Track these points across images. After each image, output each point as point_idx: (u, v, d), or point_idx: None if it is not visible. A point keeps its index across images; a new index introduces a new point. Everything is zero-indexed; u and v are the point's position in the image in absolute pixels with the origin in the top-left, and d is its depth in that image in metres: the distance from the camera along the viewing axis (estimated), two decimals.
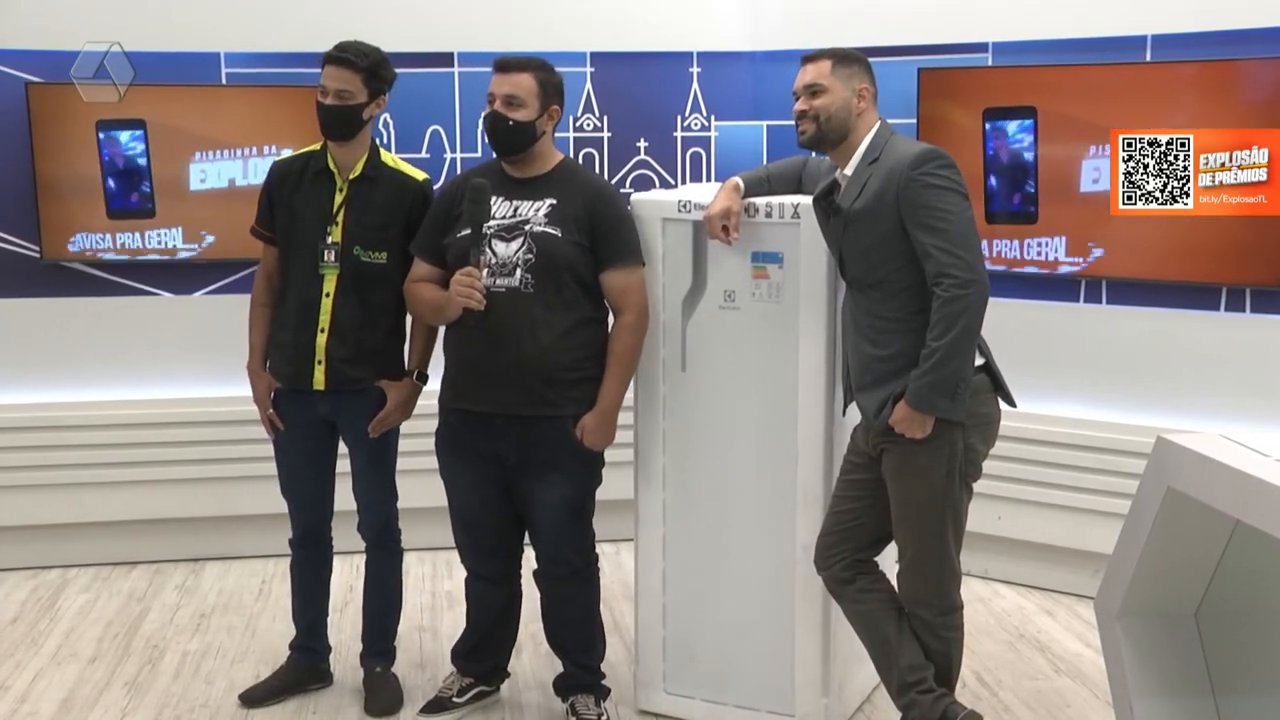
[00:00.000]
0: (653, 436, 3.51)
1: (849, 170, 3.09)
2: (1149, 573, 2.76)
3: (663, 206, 3.44)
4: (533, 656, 3.99)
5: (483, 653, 3.65)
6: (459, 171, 4.79)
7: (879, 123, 3.11)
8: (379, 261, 3.48)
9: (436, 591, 4.57)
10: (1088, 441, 4.30)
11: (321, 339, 3.47)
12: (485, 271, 3.25)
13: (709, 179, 5.00)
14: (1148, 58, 4.22)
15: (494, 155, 3.40)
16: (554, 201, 3.32)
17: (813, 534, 3.34)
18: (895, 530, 3.13)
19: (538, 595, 3.59)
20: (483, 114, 3.36)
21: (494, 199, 3.32)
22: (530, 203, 3.32)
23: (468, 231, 3.27)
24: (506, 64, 3.32)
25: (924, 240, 2.93)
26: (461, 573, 3.70)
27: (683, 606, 3.55)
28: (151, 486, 4.75)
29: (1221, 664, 2.85)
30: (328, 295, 3.46)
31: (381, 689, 3.70)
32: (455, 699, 3.63)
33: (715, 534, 3.49)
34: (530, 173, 3.36)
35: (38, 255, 4.68)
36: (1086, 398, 4.41)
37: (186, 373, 4.77)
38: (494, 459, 3.39)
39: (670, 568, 3.55)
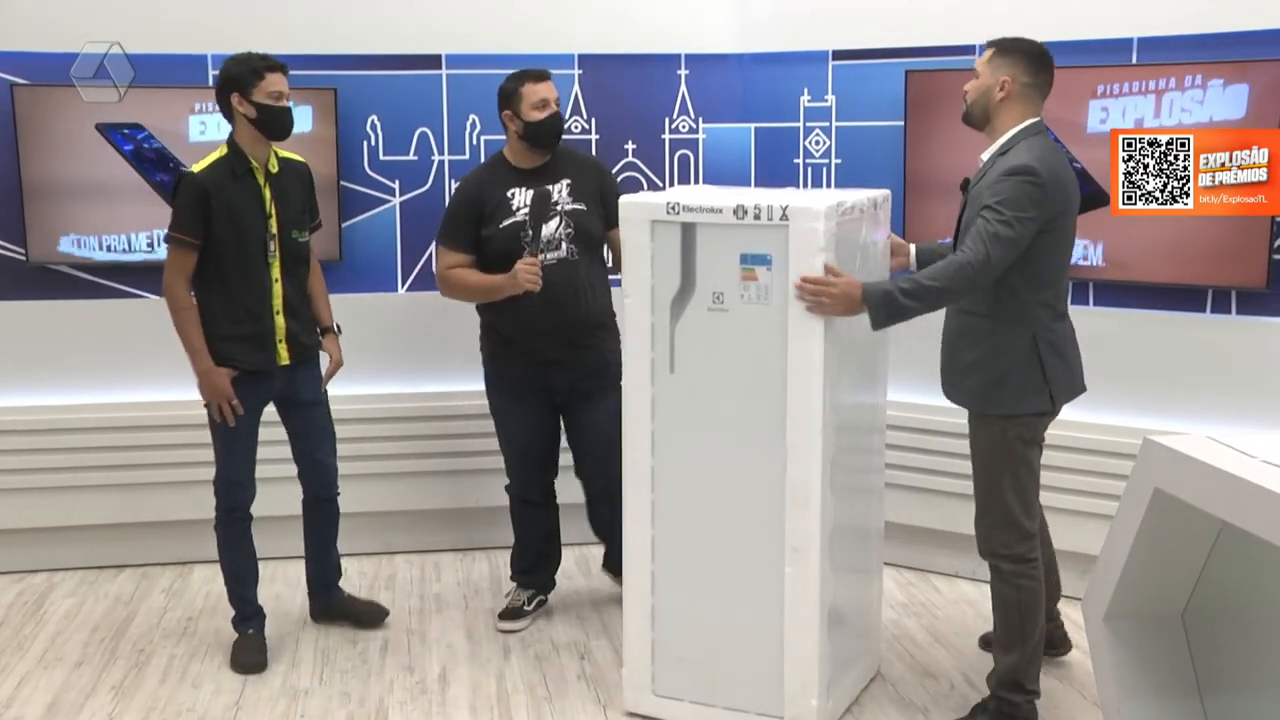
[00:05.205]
0: (641, 438, 3.51)
1: (985, 156, 3.41)
2: (1136, 574, 2.77)
3: (651, 209, 3.44)
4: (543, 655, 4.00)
5: (541, 566, 4.31)
6: (446, 173, 4.85)
7: (1031, 120, 3.37)
8: (306, 240, 3.98)
9: (425, 594, 4.56)
10: (1075, 443, 4.31)
11: (279, 320, 3.88)
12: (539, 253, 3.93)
13: (697, 181, 5.01)
14: (1134, 60, 4.24)
15: (503, 152, 4.07)
16: (569, 181, 4.03)
17: (802, 535, 3.35)
18: (973, 481, 3.51)
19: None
20: (537, 117, 3.94)
21: (519, 190, 3.98)
22: (549, 186, 3.99)
23: (515, 220, 3.95)
24: (545, 73, 4.03)
25: (979, 219, 3.24)
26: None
27: (671, 608, 3.55)
28: (139, 490, 4.74)
29: (1208, 665, 2.86)
30: (276, 280, 3.87)
31: (365, 605, 4.28)
32: (525, 607, 4.25)
33: (704, 536, 3.48)
34: (543, 160, 4.03)
35: (24, 258, 4.66)
36: (1074, 399, 4.41)
37: (173, 375, 4.72)
38: (546, 394, 4.09)
39: (659, 569, 3.54)
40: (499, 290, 3.96)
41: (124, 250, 4.70)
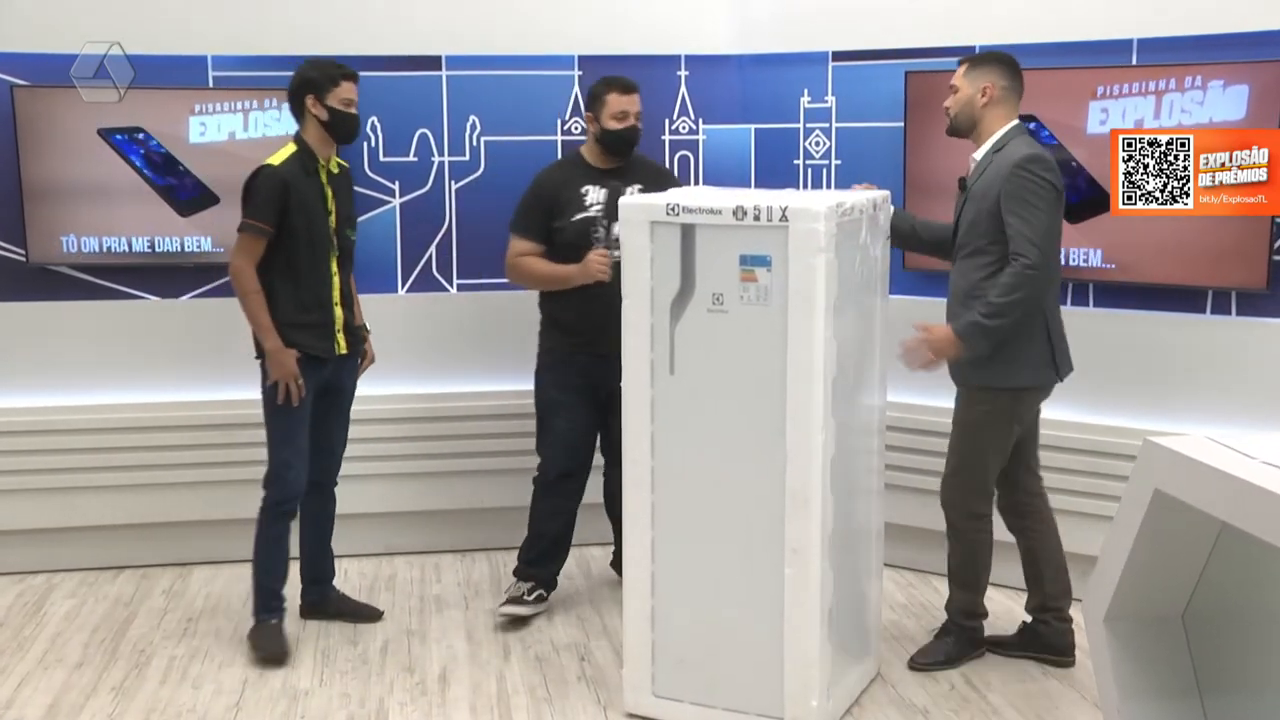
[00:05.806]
0: (641, 439, 3.51)
1: (978, 156, 3.69)
2: (1136, 575, 2.77)
3: (651, 210, 3.44)
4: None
5: (548, 559, 4.34)
6: (446, 174, 4.86)
7: (1014, 122, 3.68)
8: (354, 238, 4.17)
9: (425, 595, 4.56)
10: (1075, 444, 4.31)
11: (338, 311, 4.05)
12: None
13: (697, 182, 5.00)
14: (1134, 61, 4.24)
15: (579, 153, 4.33)
16: (640, 185, 4.16)
17: (802, 537, 3.35)
18: (950, 444, 3.80)
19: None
20: (615, 126, 4.16)
21: (592, 187, 4.20)
22: (624, 187, 4.13)
23: (587, 215, 4.17)
24: (633, 86, 4.23)
25: (1012, 222, 3.53)
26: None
27: (671, 609, 3.55)
28: (138, 491, 4.74)
29: (1208, 666, 2.86)
30: (334, 274, 4.04)
31: (358, 605, 4.34)
32: (525, 597, 4.27)
33: (704, 537, 3.48)
34: (618, 164, 4.26)
35: (24, 259, 4.66)
36: (1074, 401, 4.41)
37: (173, 377, 4.76)
38: (598, 391, 4.18)
39: (659, 571, 3.54)
40: (569, 279, 4.15)
41: (124, 251, 4.70)
